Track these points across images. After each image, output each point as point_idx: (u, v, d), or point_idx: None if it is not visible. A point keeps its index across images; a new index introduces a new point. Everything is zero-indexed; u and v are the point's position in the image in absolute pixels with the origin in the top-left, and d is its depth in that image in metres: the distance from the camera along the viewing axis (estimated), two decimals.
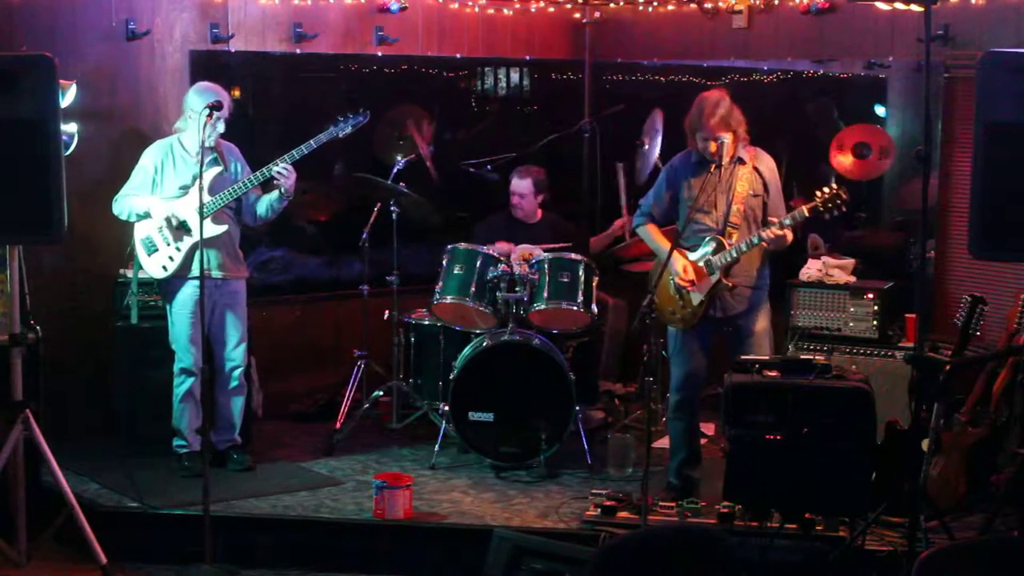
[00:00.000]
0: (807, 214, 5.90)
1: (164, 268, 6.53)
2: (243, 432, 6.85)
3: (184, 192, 6.48)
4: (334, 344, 7.98)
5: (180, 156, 6.52)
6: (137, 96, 7.31)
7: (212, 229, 6.44)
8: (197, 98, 6.40)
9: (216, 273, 6.53)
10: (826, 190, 5.87)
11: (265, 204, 6.61)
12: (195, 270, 6.46)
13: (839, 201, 5.83)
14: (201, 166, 5.88)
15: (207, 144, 6.34)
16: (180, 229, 6.47)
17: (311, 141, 6.47)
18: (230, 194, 6.45)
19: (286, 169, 6.44)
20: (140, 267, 6.58)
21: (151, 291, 6.82)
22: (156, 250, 6.52)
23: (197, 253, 6.38)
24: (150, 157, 6.58)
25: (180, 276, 6.53)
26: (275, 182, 6.48)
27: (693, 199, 6.05)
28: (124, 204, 6.53)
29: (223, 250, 6.55)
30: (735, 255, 5.98)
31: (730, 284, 6.02)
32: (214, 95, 6.36)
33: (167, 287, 6.59)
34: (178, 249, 6.49)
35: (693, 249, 6.11)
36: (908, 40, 6.99)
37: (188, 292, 6.51)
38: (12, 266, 5.78)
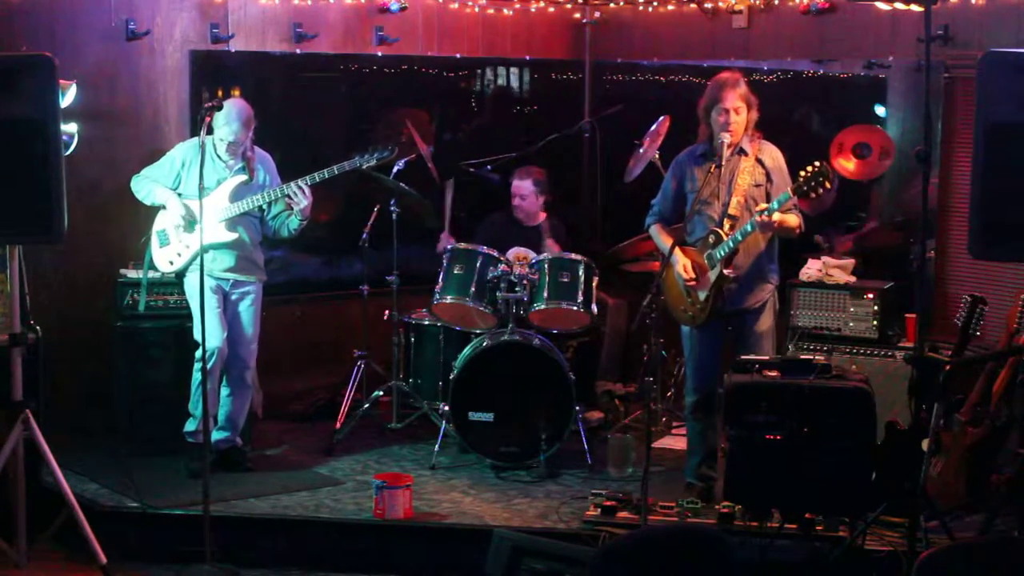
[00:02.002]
0: (791, 195, 5.90)
1: (171, 263, 6.59)
2: (243, 432, 6.85)
3: (205, 194, 6.49)
4: (334, 344, 7.98)
5: (210, 157, 6.51)
6: (137, 96, 7.31)
7: (224, 235, 6.48)
8: (228, 109, 6.39)
9: (226, 275, 6.54)
10: (809, 168, 5.85)
11: (280, 221, 6.64)
12: (198, 267, 6.51)
13: (822, 178, 5.81)
14: (201, 166, 5.87)
15: (218, 147, 6.46)
16: (193, 229, 6.48)
17: (334, 168, 6.52)
18: (246, 205, 6.49)
19: (300, 190, 6.44)
20: (151, 257, 6.62)
21: (154, 291, 6.83)
22: (168, 244, 6.58)
23: (207, 254, 6.44)
24: (181, 151, 6.62)
25: (184, 273, 6.56)
26: (289, 202, 6.49)
27: (697, 191, 6.07)
28: (146, 187, 6.58)
29: (237, 254, 6.57)
30: (732, 245, 5.97)
31: (732, 275, 6.01)
32: (229, 107, 6.36)
33: (180, 283, 6.67)
34: (187, 247, 6.53)
35: (696, 245, 6.12)
36: (908, 40, 6.99)
37: (198, 284, 6.53)
38: (12, 266, 5.79)
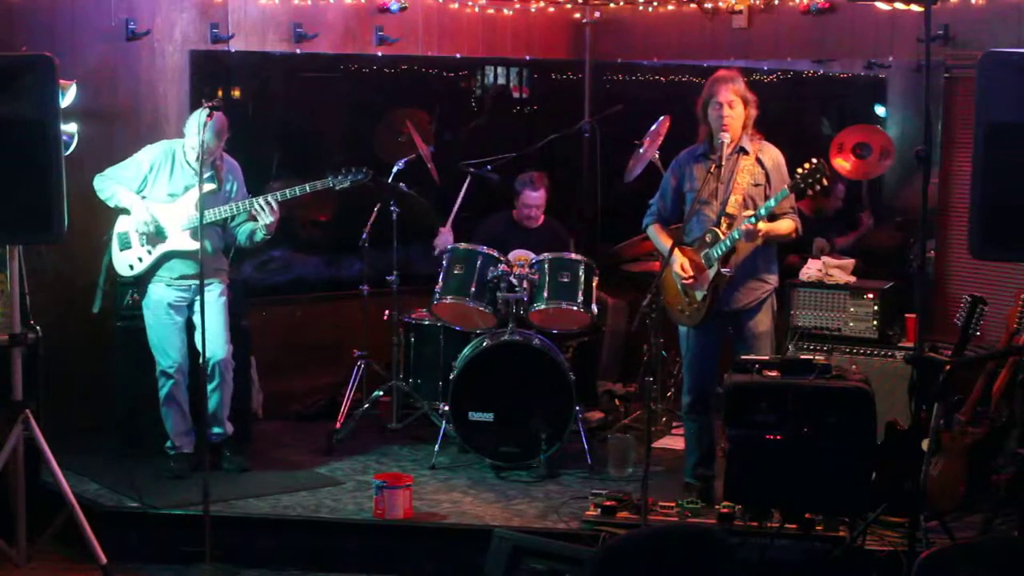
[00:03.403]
0: (788, 192, 5.90)
1: (131, 267, 6.53)
2: (243, 432, 6.84)
3: (171, 200, 6.46)
4: (334, 344, 7.98)
5: (180, 163, 6.48)
6: (137, 96, 7.31)
7: (189, 243, 6.40)
8: (197, 114, 6.28)
9: (186, 283, 6.47)
10: (806, 165, 5.84)
11: (245, 233, 6.57)
12: (162, 275, 6.49)
13: (819, 174, 5.81)
14: (201, 166, 5.86)
15: (188, 154, 6.38)
16: (156, 235, 6.45)
17: (305, 186, 6.48)
18: (212, 216, 6.38)
19: (268, 207, 6.39)
20: (110, 259, 6.58)
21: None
22: (128, 247, 6.50)
23: (167, 261, 6.44)
24: (149, 155, 6.54)
25: (145, 279, 6.51)
26: (257, 216, 6.45)
27: (697, 191, 6.06)
28: (110, 188, 6.47)
29: (197, 262, 6.49)
30: (729, 244, 5.96)
31: (729, 274, 6.01)
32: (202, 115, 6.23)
33: (141, 289, 6.59)
34: (149, 252, 6.48)
35: (693, 245, 6.12)
36: (908, 40, 6.99)
37: (159, 295, 6.50)
38: (12, 266, 5.79)
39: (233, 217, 6.54)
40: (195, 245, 6.40)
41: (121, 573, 5.70)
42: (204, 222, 6.36)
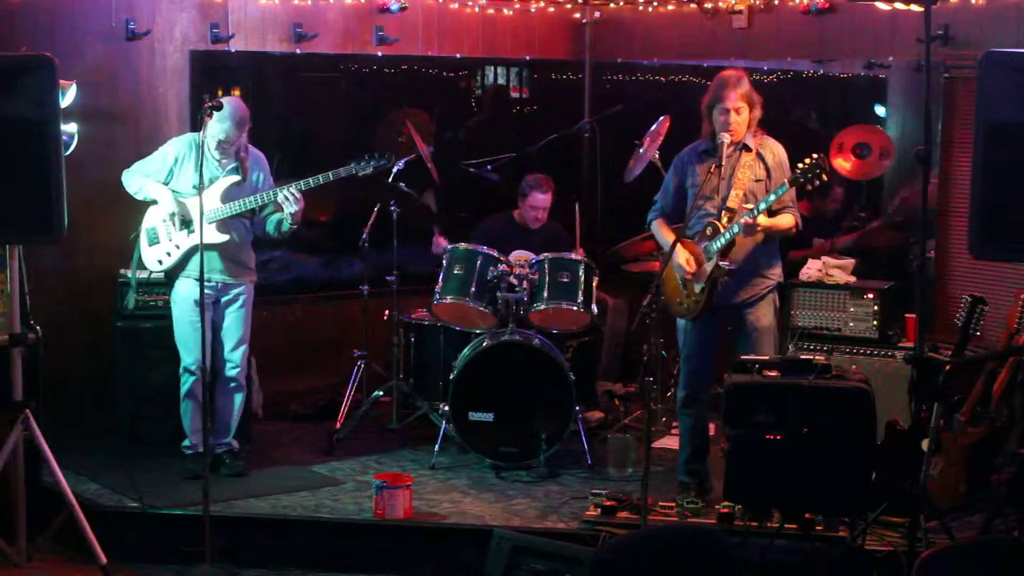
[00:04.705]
0: (788, 186, 5.90)
1: (160, 262, 6.53)
2: (243, 432, 6.84)
3: (197, 192, 6.46)
4: (334, 344, 7.98)
5: (205, 155, 6.48)
6: (137, 96, 7.31)
7: (215, 236, 6.41)
8: (223, 108, 6.19)
9: (216, 277, 6.49)
10: (807, 160, 5.84)
11: (273, 223, 6.58)
12: (191, 270, 6.47)
13: (819, 170, 5.80)
14: (200, 167, 5.86)
15: (210, 145, 6.35)
16: (184, 228, 6.46)
17: (328, 173, 6.46)
18: (237, 207, 6.43)
19: (292, 196, 6.40)
20: (140, 255, 6.59)
21: (152, 291, 6.83)
22: (157, 242, 6.52)
23: (196, 256, 6.38)
24: (174, 147, 6.55)
25: (174, 274, 6.53)
26: (282, 206, 6.46)
27: (698, 188, 6.06)
28: (138, 181, 6.49)
29: (226, 255, 6.51)
30: (728, 238, 5.95)
31: (727, 267, 6.00)
32: (224, 106, 6.19)
33: (170, 284, 6.60)
34: (177, 247, 6.48)
35: (695, 238, 6.12)
36: (908, 40, 6.98)
37: (186, 291, 6.50)
38: (12, 266, 5.79)
39: (262, 208, 6.55)
40: (222, 238, 6.44)
41: (121, 573, 5.70)
42: (231, 214, 6.44)
